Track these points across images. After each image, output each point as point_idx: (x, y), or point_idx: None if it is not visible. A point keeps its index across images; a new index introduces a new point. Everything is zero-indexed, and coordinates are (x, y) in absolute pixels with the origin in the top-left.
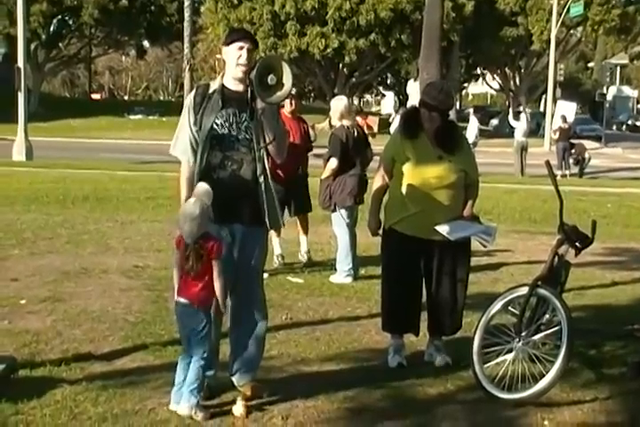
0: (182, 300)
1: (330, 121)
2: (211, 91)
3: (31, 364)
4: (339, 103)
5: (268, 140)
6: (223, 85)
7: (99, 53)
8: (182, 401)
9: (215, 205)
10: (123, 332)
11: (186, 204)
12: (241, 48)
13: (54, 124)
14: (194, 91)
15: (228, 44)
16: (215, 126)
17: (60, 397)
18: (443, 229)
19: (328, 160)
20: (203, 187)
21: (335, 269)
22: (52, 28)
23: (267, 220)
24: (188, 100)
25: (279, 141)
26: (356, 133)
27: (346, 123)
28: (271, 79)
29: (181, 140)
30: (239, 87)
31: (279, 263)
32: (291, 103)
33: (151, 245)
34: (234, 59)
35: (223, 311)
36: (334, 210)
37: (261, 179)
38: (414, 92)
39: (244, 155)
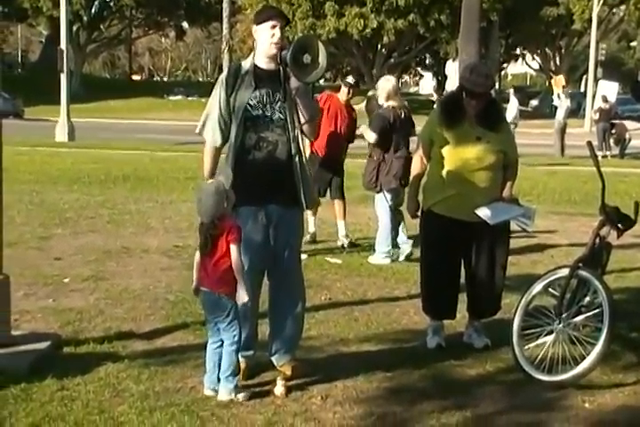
0: (204, 288)
1: (367, 102)
2: (243, 71)
3: (75, 341)
4: (387, 84)
5: (302, 120)
6: (255, 65)
7: (139, 35)
8: (220, 388)
9: (251, 186)
10: (163, 311)
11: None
12: (274, 26)
13: (95, 105)
14: (225, 71)
15: (259, 22)
16: (249, 107)
17: (103, 374)
18: (482, 212)
19: (377, 144)
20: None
21: (374, 250)
22: (93, 10)
23: (303, 200)
24: (220, 80)
25: (314, 121)
26: (403, 115)
27: (393, 103)
28: (306, 58)
29: (211, 120)
30: (271, 66)
31: (306, 241)
32: (348, 92)
33: (191, 224)
34: (267, 37)
35: (244, 301)
36: (379, 191)
37: (296, 159)
38: (453, 72)
39: (278, 136)
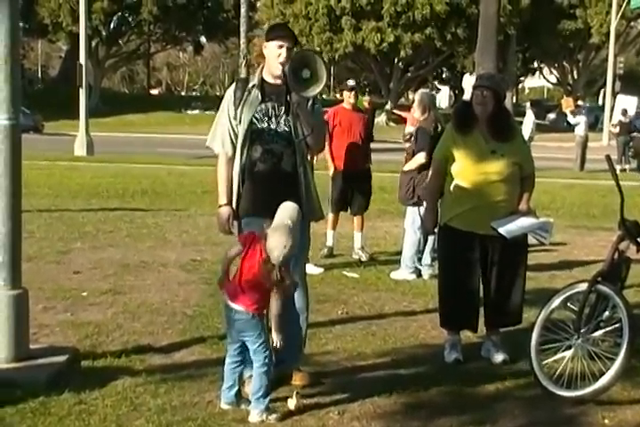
0: (236, 306)
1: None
2: (250, 85)
3: (93, 355)
4: (424, 97)
5: (305, 133)
6: (262, 79)
7: (157, 49)
8: (251, 410)
9: (257, 197)
10: (181, 325)
11: (277, 225)
12: (280, 46)
13: (114, 119)
14: (233, 85)
15: (268, 39)
16: (255, 120)
17: (120, 388)
18: (499, 226)
19: (414, 155)
20: (290, 207)
21: (399, 265)
22: (112, 25)
23: (304, 211)
24: (228, 94)
25: (317, 133)
26: (439, 127)
27: (431, 116)
28: (305, 73)
29: (220, 133)
30: (278, 81)
31: (323, 255)
32: (352, 95)
33: (208, 238)
34: (274, 56)
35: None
36: (416, 204)
37: (301, 170)
38: (470, 86)
39: (283, 148)
